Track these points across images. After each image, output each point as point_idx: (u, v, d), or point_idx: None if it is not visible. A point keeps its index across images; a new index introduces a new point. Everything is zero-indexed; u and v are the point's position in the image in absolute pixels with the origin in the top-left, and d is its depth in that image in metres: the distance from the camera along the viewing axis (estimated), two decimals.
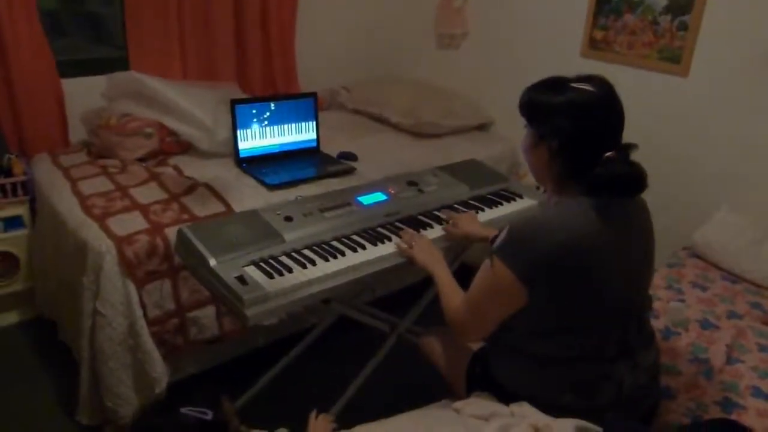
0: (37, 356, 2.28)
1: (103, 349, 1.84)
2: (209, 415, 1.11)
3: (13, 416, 2.00)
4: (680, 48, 2.31)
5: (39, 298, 2.40)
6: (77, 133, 2.55)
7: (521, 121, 1.32)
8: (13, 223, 2.30)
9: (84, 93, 2.51)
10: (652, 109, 2.39)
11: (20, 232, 2.31)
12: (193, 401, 1.13)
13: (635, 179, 1.20)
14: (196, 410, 1.11)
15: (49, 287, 2.27)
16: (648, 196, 1.29)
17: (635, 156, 1.23)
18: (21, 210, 2.30)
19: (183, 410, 1.11)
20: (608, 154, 1.20)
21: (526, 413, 1.26)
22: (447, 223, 1.74)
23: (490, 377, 1.39)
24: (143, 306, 1.84)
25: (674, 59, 2.34)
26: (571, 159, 1.24)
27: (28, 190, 2.30)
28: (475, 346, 1.52)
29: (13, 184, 2.26)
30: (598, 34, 2.56)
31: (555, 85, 1.27)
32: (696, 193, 2.35)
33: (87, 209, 1.98)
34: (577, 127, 1.22)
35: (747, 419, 1.43)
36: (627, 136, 1.25)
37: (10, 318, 2.45)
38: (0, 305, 2.41)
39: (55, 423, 1.98)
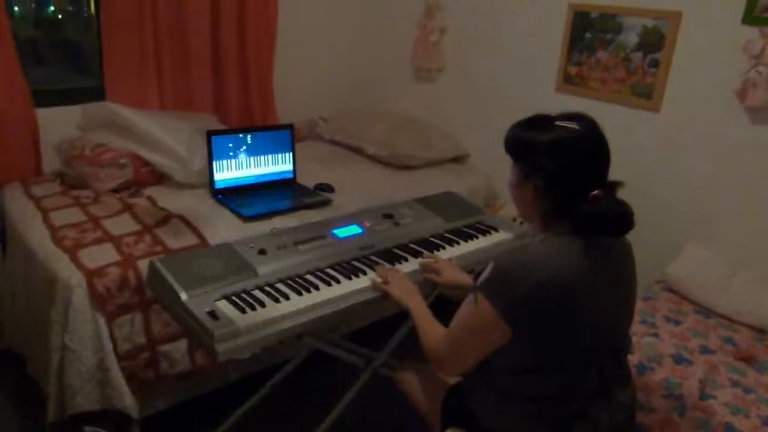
0: (4, 390, 2.21)
1: (72, 383, 1.79)
2: None
3: None
4: (652, 84, 2.38)
5: (7, 330, 2.34)
6: (51, 163, 2.52)
7: (497, 154, 1.33)
8: None
9: (59, 123, 2.49)
10: (626, 144, 2.41)
11: None
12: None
13: (622, 217, 1.20)
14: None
15: (17, 319, 2.21)
16: None
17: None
18: None
19: (88, 429, 1.08)
20: (594, 192, 1.20)
21: None
22: (427, 272, 1.70)
23: (466, 412, 1.38)
24: (113, 340, 1.80)
25: (646, 95, 2.40)
26: (557, 197, 1.24)
27: None
28: (452, 380, 1.51)
29: None
30: (573, 70, 2.62)
31: (540, 123, 1.27)
32: (668, 226, 2.39)
33: (58, 241, 1.95)
34: (562, 166, 1.21)
35: None
36: None
37: None
38: None
39: None
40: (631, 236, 1.37)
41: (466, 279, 1.63)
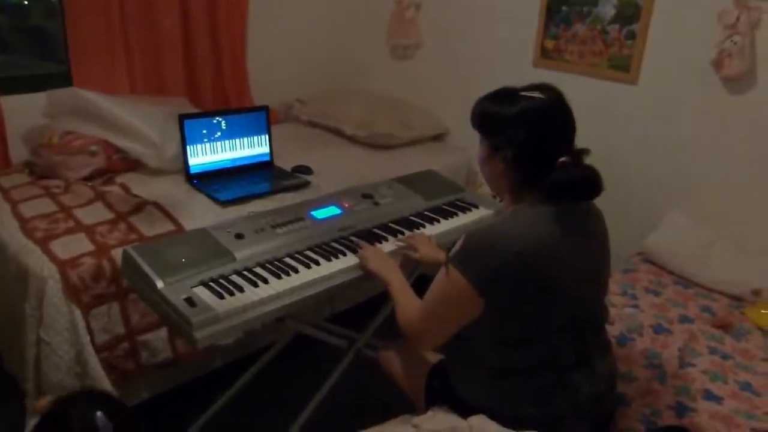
0: None
1: (49, 378, 1.75)
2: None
3: None
4: (629, 56, 2.36)
5: None
6: (18, 153, 2.44)
7: (477, 132, 1.33)
8: None
9: (25, 111, 2.41)
10: (604, 117, 2.44)
11: None
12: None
13: (590, 181, 1.21)
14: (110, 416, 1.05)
15: None
16: (601, 203, 1.31)
17: (588, 161, 1.24)
18: None
19: (99, 414, 1.05)
20: (562, 159, 1.21)
21: (484, 427, 1.25)
22: (404, 248, 1.69)
23: (449, 390, 1.38)
24: (90, 332, 1.77)
25: (623, 67, 2.39)
26: (526, 167, 1.25)
27: None
28: (434, 359, 1.51)
29: None
30: (549, 44, 2.60)
31: (505, 95, 1.28)
32: (647, 198, 2.40)
33: (28, 232, 1.90)
34: (530, 135, 1.23)
35: (699, 422, 1.45)
36: (579, 144, 1.27)
37: None
38: None
39: None
40: (610, 209, 1.38)
41: (443, 255, 1.63)
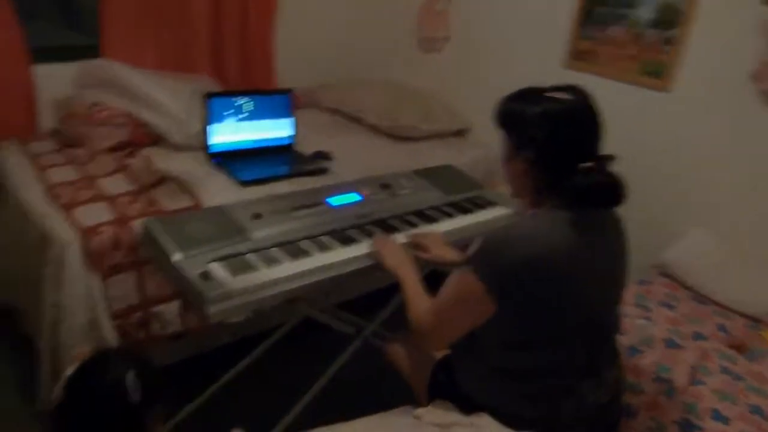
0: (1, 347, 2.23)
1: (65, 341, 1.79)
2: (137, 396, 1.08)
3: None
4: (664, 63, 2.32)
5: (1, 286, 2.33)
6: (47, 121, 2.48)
7: (500, 130, 1.32)
8: None
9: (55, 80, 2.44)
10: (633, 123, 2.39)
11: None
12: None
13: (613, 189, 1.19)
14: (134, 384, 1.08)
15: (11, 276, 2.21)
16: (622, 211, 1.29)
17: (613, 167, 1.22)
18: None
19: (131, 373, 1.08)
20: (585, 164, 1.19)
21: (485, 424, 1.25)
22: (414, 248, 1.67)
23: (453, 385, 1.38)
24: (106, 299, 1.80)
25: (657, 74, 2.35)
26: (547, 170, 1.23)
27: None
28: (440, 353, 1.51)
29: None
30: (582, 45, 2.56)
31: (530, 95, 1.26)
32: (670, 210, 2.36)
33: (52, 198, 1.93)
34: (552, 137, 1.20)
35: None
36: (605, 150, 1.24)
37: None
38: None
39: (15, 410, 1.95)
40: (630, 217, 1.36)
41: (454, 255, 1.62)
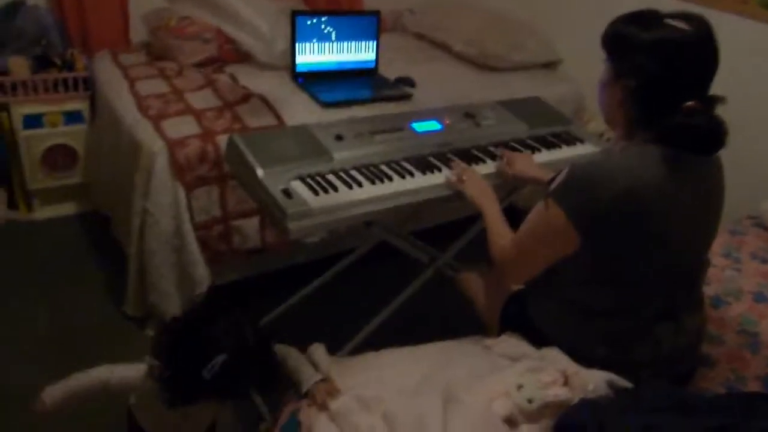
0: (91, 247, 2.39)
1: (151, 246, 1.90)
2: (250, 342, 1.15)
3: (64, 302, 2.11)
4: None
5: (94, 192, 2.48)
6: (138, 33, 2.54)
7: (592, 63, 1.23)
8: (73, 117, 2.36)
9: None
10: (746, 63, 2.18)
11: (80, 127, 2.38)
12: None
13: (714, 135, 1.11)
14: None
15: (103, 183, 2.34)
16: (721, 154, 1.20)
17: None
18: (81, 105, 2.35)
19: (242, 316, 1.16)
20: (689, 103, 1.10)
21: (556, 359, 1.24)
22: (501, 159, 1.66)
23: (526, 319, 1.37)
24: (190, 209, 1.87)
25: None
26: (647, 103, 1.15)
27: (89, 86, 2.34)
28: (515, 286, 1.49)
29: (75, 79, 2.31)
30: None
31: (646, 18, 1.15)
32: None
33: (143, 110, 2.00)
34: (661, 69, 1.11)
35: None
36: (713, 90, 1.15)
37: (69, 209, 2.56)
38: (60, 196, 2.51)
39: (102, 312, 2.09)
40: (729, 162, 1.26)
41: (540, 173, 1.56)
